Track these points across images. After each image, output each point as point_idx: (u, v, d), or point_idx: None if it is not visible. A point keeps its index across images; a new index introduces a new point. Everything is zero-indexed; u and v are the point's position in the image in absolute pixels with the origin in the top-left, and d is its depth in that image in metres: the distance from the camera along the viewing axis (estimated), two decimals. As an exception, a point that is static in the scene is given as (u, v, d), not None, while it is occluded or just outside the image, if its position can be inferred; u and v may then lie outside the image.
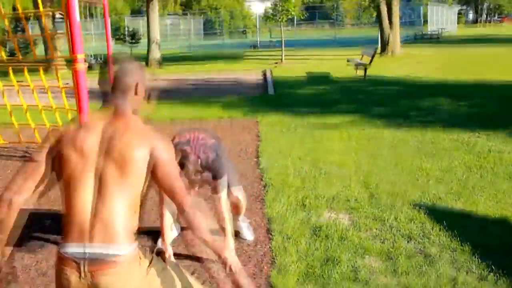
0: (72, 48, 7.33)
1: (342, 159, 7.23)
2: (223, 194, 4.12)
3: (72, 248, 2.22)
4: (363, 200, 5.57)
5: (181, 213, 2.38)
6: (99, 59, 26.00)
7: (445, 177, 6.31)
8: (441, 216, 5.03)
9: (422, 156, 7.28)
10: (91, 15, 26.63)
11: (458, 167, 6.67)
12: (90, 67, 25.77)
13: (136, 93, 2.48)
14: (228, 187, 4.27)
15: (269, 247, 4.57)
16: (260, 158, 7.37)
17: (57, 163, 2.33)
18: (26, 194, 2.31)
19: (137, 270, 2.29)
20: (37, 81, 8.28)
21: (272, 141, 8.39)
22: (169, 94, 14.83)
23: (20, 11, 7.84)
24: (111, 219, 2.24)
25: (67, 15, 7.23)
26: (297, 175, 6.54)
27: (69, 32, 7.28)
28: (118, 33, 44.57)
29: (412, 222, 4.94)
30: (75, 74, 7.38)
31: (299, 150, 7.76)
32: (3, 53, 8.20)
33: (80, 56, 7.29)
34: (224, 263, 2.73)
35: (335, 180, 6.29)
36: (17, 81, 8.25)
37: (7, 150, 8.66)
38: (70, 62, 7.18)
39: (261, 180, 6.43)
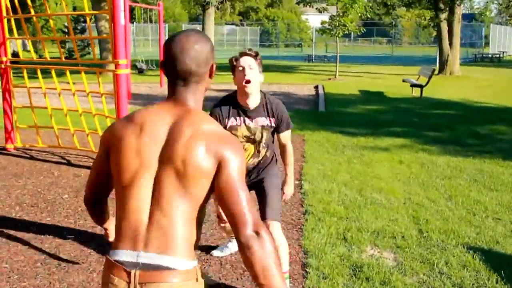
0: (114, 53, 7.08)
1: (390, 187, 6.71)
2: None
3: (124, 256, 1.96)
4: (411, 237, 5.05)
5: (237, 242, 1.94)
6: (150, 65, 26.03)
7: (504, 215, 5.73)
8: (498, 263, 4.47)
9: (479, 188, 6.70)
10: (150, 20, 26.68)
11: (519, 206, 6.07)
12: (141, 72, 25.97)
13: (210, 76, 2.15)
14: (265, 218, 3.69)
15: (302, 286, 4.11)
16: (302, 181, 6.91)
17: (113, 165, 2.06)
18: (105, 195, 2.27)
19: None
20: (80, 84, 8.08)
21: (317, 162, 7.92)
22: (207, 105, 14.52)
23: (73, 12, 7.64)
24: (170, 227, 1.95)
25: (112, 18, 6.99)
26: (341, 203, 6.05)
27: (113, 36, 7.03)
28: (175, 39, 44.81)
29: (465, 269, 4.40)
30: (115, 80, 7.12)
31: (345, 174, 7.27)
32: (62, 54, 8.02)
33: (122, 62, 7.03)
34: None
35: (382, 211, 5.78)
36: (60, 82, 8.05)
37: (45, 154, 8.46)
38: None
39: (301, 205, 5.97)
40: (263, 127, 3.74)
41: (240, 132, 3.71)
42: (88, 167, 7.65)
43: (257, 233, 1.90)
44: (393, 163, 7.94)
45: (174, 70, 2.05)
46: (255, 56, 3.62)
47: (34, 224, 5.42)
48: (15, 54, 26.56)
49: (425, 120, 11.92)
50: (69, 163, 7.90)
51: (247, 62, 3.58)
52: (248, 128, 3.71)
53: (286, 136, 3.92)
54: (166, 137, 2.00)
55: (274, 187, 3.86)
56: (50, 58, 8.13)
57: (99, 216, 2.37)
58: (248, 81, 3.55)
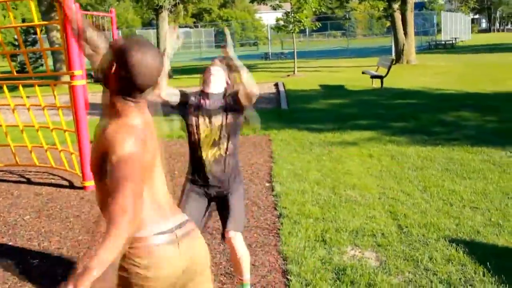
0: (69, 64, 6.78)
1: (363, 182, 6.57)
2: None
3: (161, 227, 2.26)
4: (391, 234, 4.90)
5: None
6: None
7: (481, 204, 5.63)
8: (482, 255, 4.36)
9: (452, 177, 6.61)
10: (103, 28, 26.14)
11: (494, 193, 5.98)
12: (97, 81, 25.40)
13: None
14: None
15: (286, 295, 3.92)
16: (273, 183, 6.72)
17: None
18: None
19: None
20: (34, 98, 7.73)
21: (286, 162, 7.74)
22: (173, 109, 14.23)
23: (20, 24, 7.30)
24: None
25: (64, 29, 6.68)
26: (315, 203, 5.88)
27: (66, 47, 6.73)
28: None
29: (450, 263, 4.27)
30: (72, 91, 6.81)
31: (316, 172, 7.11)
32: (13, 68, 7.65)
33: (77, 73, 6.72)
34: None
35: (358, 209, 5.63)
36: (13, 97, 7.68)
37: (2, 173, 8.08)
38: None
39: (275, 209, 5.78)
40: (221, 108, 3.78)
41: (200, 115, 3.77)
42: (49, 184, 7.33)
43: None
44: (363, 157, 7.82)
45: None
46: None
47: (-5, 250, 5.10)
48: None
49: (390, 111, 11.86)
50: (28, 181, 7.55)
51: (215, 69, 3.87)
52: (206, 113, 3.76)
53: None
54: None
55: (239, 199, 3.81)
56: (1, 73, 7.76)
57: None
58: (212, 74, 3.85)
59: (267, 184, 6.72)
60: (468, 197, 5.86)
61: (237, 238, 3.66)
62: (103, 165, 2.16)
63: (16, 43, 28.89)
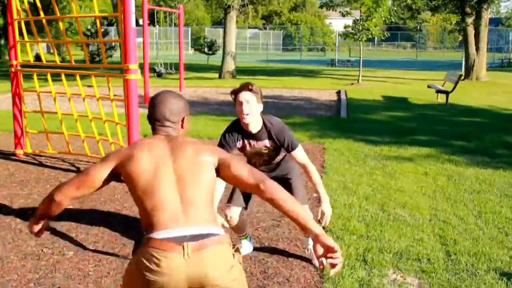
0: (125, 57, 6.76)
1: (415, 201, 6.27)
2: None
3: (171, 233, 2.39)
4: (438, 260, 4.62)
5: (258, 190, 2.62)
6: (169, 69, 25.75)
7: (539, 236, 5.27)
8: (535, 292, 4.04)
9: (511, 205, 6.23)
10: (173, 24, 26.46)
11: (555, 225, 5.59)
12: (159, 75, 25.73)
13: (182, 127, 2.83)
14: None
15: (317, 316, 3.72)
16: (321, 194, 6.50)
17: (128, 179, 2.58)
18: (73, 199, 2.76)
19: (229, 251, 2.48)
20: (92, 88, 7.77)
21: (337, 173, 7.51)
22: (232, 110, 14.18)
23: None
24: (201, 205, 2.53)
25: (123, 21, 6.67)
26: (361, 219, 5.64)
27: (123, 40, 6.71)
28: (198, 43, 44.83)
29: (499, 298, 3.97)
30: (126, 85, 6.79)
31: (367, 187, 6.85)
32: (86, 55, 7.72)
33: (132, 66, 6.70)
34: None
35: (406, 229, 5.36)
36: (71, 86, 7.75)
37: (55, 160, 8.17)
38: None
39: (319, 221, 5.56)
40: (266, 147, 4.17)
41: (247, 151, 4.21)
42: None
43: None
44: (418, 175, 7.50)
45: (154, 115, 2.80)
46: (251, 90, 3.92)
47: (33, 237, 5.07)
48: (38, 57, 26.52)
49: (452, 128, 11.42)
50: (78, 171, 7.59)
51: (244, 97, 3.91)
52: (253, 147, 4.17)
53: (297, 155, 4.17)
54: (169, 145, 2.66)
55: (298, 178, 4.45)
56: (60, 62, 7.84)
57: (51, 212, 2.77)
58: (246, 114, 3.95)
59: (315, 195, 6.51)
60: (526, 227, 5.50)
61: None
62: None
63: (89, 33, 29.52)
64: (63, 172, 7.53)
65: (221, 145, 4.09)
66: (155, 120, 2.77)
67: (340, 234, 5.16)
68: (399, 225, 5.48)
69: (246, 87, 3.93)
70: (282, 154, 4.28)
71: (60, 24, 7.68)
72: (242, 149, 4.18)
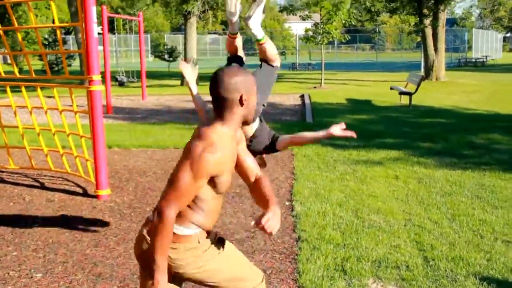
0: (87, 68, 6.56)
1: (388, 206, 6.23)
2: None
3: None
4: (417, 267, 4.57)
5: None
6: (131, 77, 25.40)
7: (514, 238, 5.27)
8: (517, 297, 4.01)
9: (483, 206, 6.24)
10: (132, 31, 26.15)
11: (528, 225, 5.61)
12: (121, 84, 25.36)
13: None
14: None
15: (300, 333, 3.61)
16: (294, 202, 6.42)
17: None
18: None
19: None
20: (52, 100, 7.53)
21: (308, 180, 7.43)
22: (197, 117, 14.02)
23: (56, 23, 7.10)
24: None
25: (84, 31, 6.47)
26: (337, 227, 5.56)
27: (85, 50, 6.52)
28: (157, 50, 44.48)
29: (482, 305, 3.92)
30: (89, 97, 6.59)
31: (339, 193, 6.78)
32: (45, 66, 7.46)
33: (96, 77, 6.51)
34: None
35: (382, 236, 5.30)
36: (31, 97, 7.49)
37: (17, 176, 7.90)
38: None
39: (294, 231, 5.47)
40: None
41: None
42: (62, 190, 7.11)
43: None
44: (389, 179, 7.47)
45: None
46: None
47: (-2, 260, 4.87)
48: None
49: (418, 130, 11.48)
50: (42, 186, 7.35)
51: None
52: None
53: None
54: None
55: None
56: (18, 73, 7.59)
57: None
58: None
59: (287, 203, 6.42)
60: (500, 229, 5.49)
61: None
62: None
63: (47, 43, 28.94)
64: (26, 188, 7.27)
65: None
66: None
67: (316, 244, 5.07)
68: (375, 231, 5.41)
69: None
70: None
71: (18, 34, 7.43)
72: None
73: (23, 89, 7.39)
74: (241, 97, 2.58)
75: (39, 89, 7.40)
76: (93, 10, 6.41)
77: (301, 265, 4.60)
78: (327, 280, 4.32)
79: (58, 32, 7.05)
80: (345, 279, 4.35)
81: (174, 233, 2.59)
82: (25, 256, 4.95)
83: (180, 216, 2.59)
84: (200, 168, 2.48)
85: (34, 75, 7.37)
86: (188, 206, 2.61)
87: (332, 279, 4.35)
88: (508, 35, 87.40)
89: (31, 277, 4.50)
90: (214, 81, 2.61)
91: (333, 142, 10.03)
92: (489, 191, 6.85)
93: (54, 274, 4.55)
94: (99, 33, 7.65)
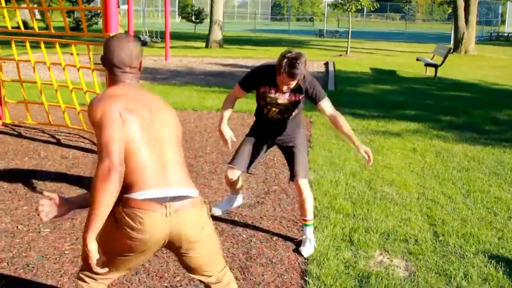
0: (105, 25, 6.49)
1: (403, 179, 6.15)
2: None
3: (154, 194, 2.46)
4: (425, 241, 4.50)
5: None
6: (154, 37, 25.31)
7: (528, 217, 5.16)
8: (525, 277, 3.93)
9: (500, 183, 6.12)
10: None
11: (544, 205, 5.49)
12: (144, 44, 25.33)
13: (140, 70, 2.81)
14: None
15: (300, 301, 3.59)
16: (307, 169, 6.35)
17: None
18: None
19: (203, 211, 2.63)
20: (70, 56, 7.51)
21: (324, 148, 7.35)
22: (218, 81, 13.96)
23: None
24: (181, 166, 2.63)
25: (104, -12, 6.38)
26: (348, 197, 5.50)
27: (104, 8, 6.44)
28: (185, 11, 44.25)
29: (487, 283, 3.84)
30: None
31: (354, 163, 6.70)
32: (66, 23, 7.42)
33: (113, 35, 6.42)
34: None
35: (393, 208, 5.23)
36: (50, 54, 7.47)
37: (34, 131, 7.93)
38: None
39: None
40: (289, 101, 4.16)
41: (269, 99, 4.18)
42: (77, 147, 7.14)
43: None
44: (406, 151, 7.37)
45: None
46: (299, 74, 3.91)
47: (8, 213, 4.90)
48: (25, 24, 25.92)
49: (440, 103, 11.28)
50: (58, 143, 7.38)
51: (291, 82, 3.95)
52: (275, 100, 4.16)
53: (325, 106, 4.16)
54: (141, 98, 2.69)
55: (302, 148, 4.41)
56: (42, 29, 7.57)
57: None
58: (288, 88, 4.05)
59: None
60: (515, 207, 5.39)
61: (304, 183, 4.27)
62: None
63: (73, 0, 28.85)
64: (42, 143, 7.31)
65: (243, 80, 4.25)
66: (114, 66, 2.68)
67: (326, 213, 5.02)
68: (386, 203, 5.34)
69: (294, 72, 3.86)
70: (297, 110, 4.28)
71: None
72: (262, 94, 4.18)
73: (42, 45, 7.37)
74: None
75: (57, 46, 7.36)
76: None
77: (308, 234, 4.56)
78: (333, 249, 4.28)
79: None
80: (351, 250, 4.30)
81: None
82: (35, 211, 4.97)
83: None
84: None
85: (53, 31, 7.33)
86: None
87: (338, 249, 4.30)
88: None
89: (39, 232, 4.53)
90: None
91: (353, 111, 9.91)
92: (508, 168, 6.72)
93: (61, 230, 4.57)
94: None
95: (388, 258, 4.20)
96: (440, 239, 4.56)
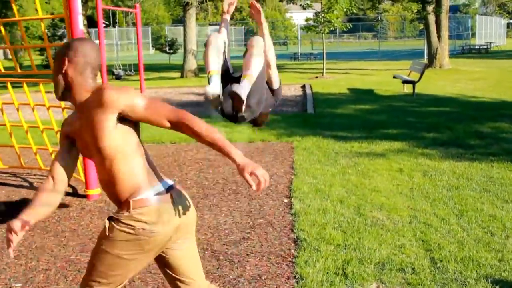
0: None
1: (392, 202, 5.91)
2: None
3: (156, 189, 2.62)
4: (423, 269, 4.25)
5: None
6: (128, 70, 25.08)
7: (526, 234, 4.94)
8: (532, 302, 3.69)
9: (492, 200, 5.91)
10: (133, 24, 25.82)
11: (541, 221, 5.28)
12: (118, 78, 25.04)
13: None
14: None
15: None
16: (292, 199, 6.10)
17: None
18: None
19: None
20: (37, 95, 7.22)
21: (308, 174, 7.11)
22: (196, 110, 13.71)
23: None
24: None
25: (69, 23, 6.15)
26: (337, 225, 5.24)
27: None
28: (158, 42, 44.14)
29: (495, 312, 3.60)
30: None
31: (340, 188, 6.46)
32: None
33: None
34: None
35: (385, 235, 4.98)
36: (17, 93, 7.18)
37: (6, 176, 7.60)
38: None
39: (292, 231, 5.16)
40: None
41: None
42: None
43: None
44: (392, 172, 7.15)
45: None
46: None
47: (-23, 268, 4.57)
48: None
49: (422, 120, 11.13)
50: (31, 186, 7.07)
51: None
52: None
53: None
54: None
55: None
56: (4, 69, 7.28)
57: None
58: None
59: (286, 200, 6.10)
60: (511, 225, 5.17)
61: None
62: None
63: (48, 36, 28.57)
64: (15, 188, 6.98)
65: None
66: (97, 70, 2.68)
67: (316, 245, 4.76)
68: (377, 230, 5.09)
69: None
70: None
71: (20, 29, 7.10)
72: None
73: (9, 85, 7.07)
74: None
75: (25, 85, 7.07)
76: (77, 1, 6.08)
77: (299, 269, 4.29)
78: (327, 285, 4.01)
79: (42, 25, 6.73)
80: (346, 284, 4.04)
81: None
82: (5, 264, 4.65)
83: None
84: None
85: (19, 71, 7.05)
86: None
87: (332, 284, 4.03)
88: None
89: (10, 287, 4.21)
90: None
91: (334, 133, 9.72)
92: (498, 183, 6.52)
93: (34, 284, 4.25)
94: (96, 26, 7.31)
95: (386, 291, 3.94)
96: (438, 266, 4.31)
